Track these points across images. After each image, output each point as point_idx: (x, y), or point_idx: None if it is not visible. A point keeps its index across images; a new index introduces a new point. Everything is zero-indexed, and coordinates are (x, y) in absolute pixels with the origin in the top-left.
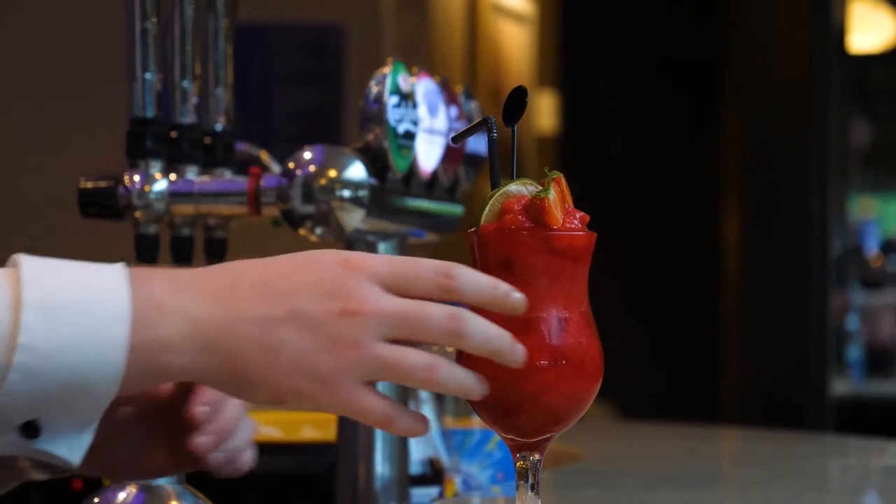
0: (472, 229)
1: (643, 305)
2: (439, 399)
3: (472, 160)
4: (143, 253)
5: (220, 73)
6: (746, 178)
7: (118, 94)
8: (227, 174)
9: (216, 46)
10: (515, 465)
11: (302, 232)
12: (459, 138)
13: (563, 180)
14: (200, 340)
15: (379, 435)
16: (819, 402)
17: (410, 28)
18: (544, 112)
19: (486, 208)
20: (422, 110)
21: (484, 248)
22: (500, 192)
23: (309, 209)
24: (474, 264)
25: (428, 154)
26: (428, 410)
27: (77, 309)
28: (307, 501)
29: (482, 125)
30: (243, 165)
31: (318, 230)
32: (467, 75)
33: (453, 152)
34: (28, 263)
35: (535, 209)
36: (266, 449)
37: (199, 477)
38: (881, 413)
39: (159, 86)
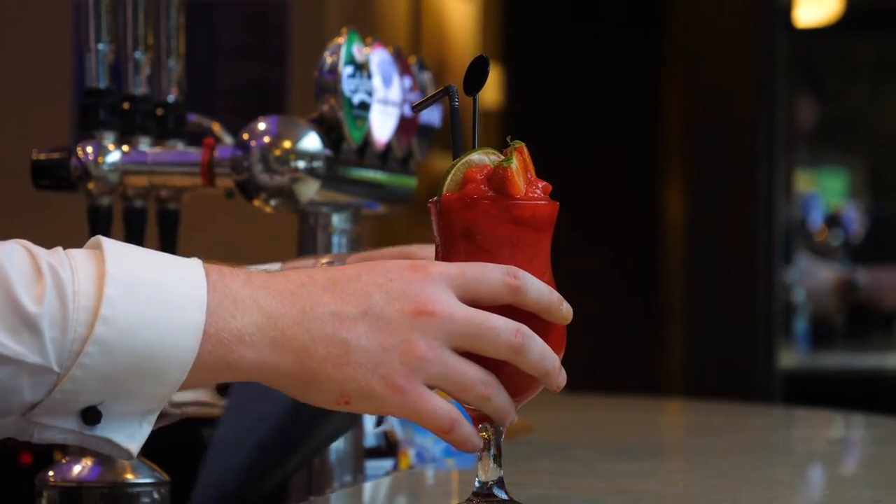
0: (434, 199)
1: (587, 280)
2: None
3: (426, 132)
4: (97, 225)
5: (173, 44)
6: (691, 153)
7: (68, 65)
8: (180, 146)
9: (168, 17)
10: (480, 434)
11: (257, 203)
12: (420, 107)
13: (526, 150)
14: (272, 335)
15: None
16: (767, 375)
17: (354, 3)
18: (489, 86)
19: (448, 178)
20: (376, 81)
21: (446, 217)
22: (462, 162)
23: (265, 180)
24: (436, 235)
25: (382, 125)
26: None
27: (157, 289)
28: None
29: (443, 94)
30: (195, 137)
31: (274, 201)
32: (412, 50)
33: (407, 124)
34: (110, 244)
35: (497, 178)
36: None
37: (153, 449)
38: (826, 385)
39: (112, 57)
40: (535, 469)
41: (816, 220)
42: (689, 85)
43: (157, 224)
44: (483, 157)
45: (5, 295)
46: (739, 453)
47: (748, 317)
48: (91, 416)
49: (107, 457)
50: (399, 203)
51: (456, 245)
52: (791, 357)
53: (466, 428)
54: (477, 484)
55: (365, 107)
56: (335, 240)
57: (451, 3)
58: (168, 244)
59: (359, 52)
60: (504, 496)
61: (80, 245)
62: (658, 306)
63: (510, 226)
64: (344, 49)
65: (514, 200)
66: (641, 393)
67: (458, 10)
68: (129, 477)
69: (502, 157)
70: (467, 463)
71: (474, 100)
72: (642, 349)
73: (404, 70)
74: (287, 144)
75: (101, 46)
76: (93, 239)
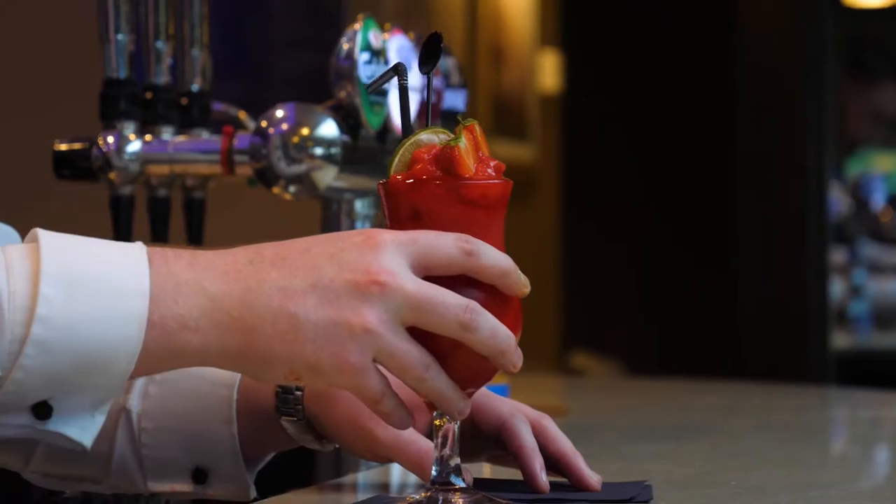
0: (382, 181)
1: (645, 264)
2: None
3: (450, 117)
4: (119, 214)
5: (196, 33)
6: (748, 136)
7: (92, 56)
8: (204, 134)
9: (192, 7)
10: (433, 422)
11: (276, 191)
12: (373, 86)
13: (478, 128)
14: (218, 318)
15: None
16: (820, 357)
17: None
18: (547, 71)
19: (396, 158)
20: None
21: (393, 199)
22: (410, 142)
23: (283, 168)
24: (386, 218)
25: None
26: None
27: (96, 283)
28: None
29: (393, 72)
30: (222, 125)
31: (292, 188)
32: (468, 36)
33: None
34: (47, 237)
35: (445, 158)
36: None
37: None
38: (886, 367)
39: (132, 47)
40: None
41: (879, 201)
42: (748, 66)
43: (182, 212)
44: (432, 137)
45: None
46: (764, 433)
47: (800, 298)
48: (42, 411)
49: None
50: None
51: (405, 227)
52: (848, 339)
53: (393, 402)
54: (434, 472)
55: (382, 93)
56: (358, 225)
57: None
58: (194, 232)
59: (375, 38)
60: (461, 483)
61: (101, 236)
62: (715, 288)
63: (459, 206)
64: (360, 36)
65: (463, 180)
66: (699, 374)
67: None
68: None
69: (452, 137)
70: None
71: (429, 77)
72: (700, 332)
73: None
74: (305, 131)
75: (120, 37)
76: (31, 232)
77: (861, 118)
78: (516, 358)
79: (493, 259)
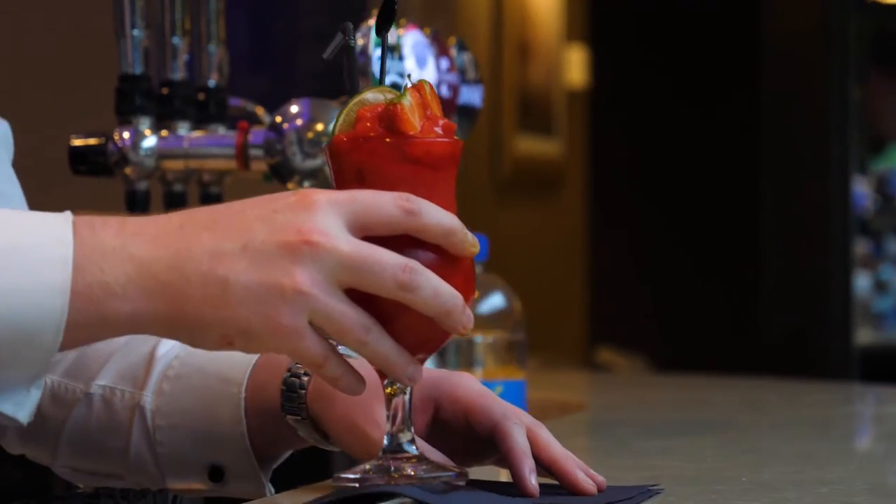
0: (327, 143)
1: (671, 259)
2: (441, 352)
3: (467, 112)
4: (135, 209)
5: (213, 29)
6: (772, 133)
7: (108, 51)
8: (221, 130)
9: (208, 3)
10: (384, 391)
11: (290, 186)
12: (329, 53)
13: (429, 88)
14: (146, 284)
15: None
16: (844, 353)
17: None
18: (574, 67)
19: (340, 118)
20: (409, 62)
21: (337, 159)
22: (355, 101)
23: (298, 162)
24: (331, 180)
25: None
26: (429, 364)
27: (18, 253)
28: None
29: (342, 34)
30: (239, 121)
31: (307, 183)
32: (494, 32)
33: (446, 104)
34: None
35: (388, 116)
36: None
37: None
38: None
39: (148, 43)
40: (566, 447)
41: None
42: (774, 62)
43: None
44: (378, 96)
45: None
46: (781, 429)
47: (825, 294)
48: None
49: None
50: None
51: (348, 188)
52: (873, 335)
53: (339, 367)
54: (386, 441)
55: (396, 88)
56: None
57: None
58: None
59: (389, 33)
60: (414, 451)
61: None
62: (742, 284)
63: (403, 165)
64: (374, 31)
65: (407, 138)
66: (723, 370)
67: None
68: None
69: (397, 95)
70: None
71: (384, 41)
72: (724, 328)
73: (441, 51)
74: (319, 127)
75: (136, 32)
76: None
77: (890, 114)
78: (465, 319)
79: (437, 218)
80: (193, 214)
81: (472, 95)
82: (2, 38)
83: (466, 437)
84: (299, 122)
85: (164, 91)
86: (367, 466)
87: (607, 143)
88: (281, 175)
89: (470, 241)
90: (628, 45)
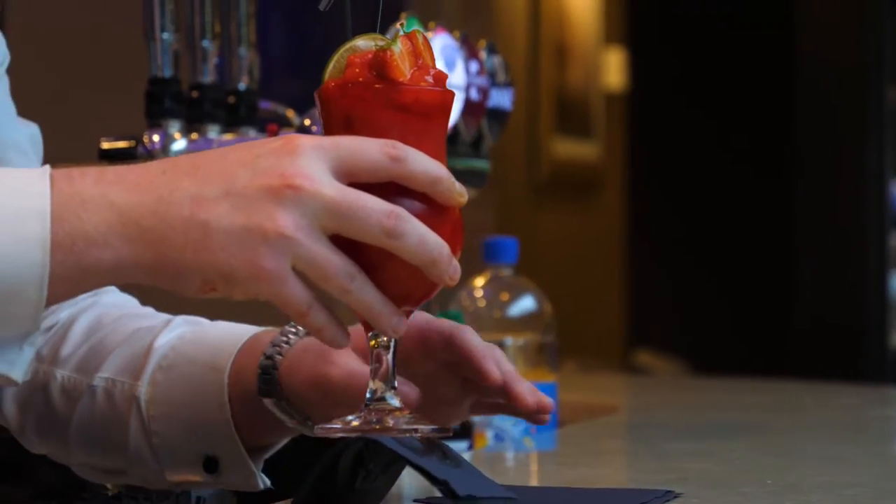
0: (318, 89)
1: (709, 262)
2: None
3: (496, 115)
4: None
5: (243, 32)
6: (808, 137)
7: (138, 55)
8: (252, 133)
9: (238, 6)
10: (369, 344)
11: None
12: (325, 4)
13: (422, 37)
14: (126, 231)
15: None
16: (880, 356)
17: None
18: (612, 69)
19: (331, 64)
20: (438, 65)
21: (326, 105)
22: (346, 48)
23: None
24: (322, 128)
25: None
26: None
27: None
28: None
29: None
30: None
31: None
32: (531, 34)
33: (474, 107)
34: None
35: (378, 62)
36: None
37: None
38: None
39: (177, 46)
40: (595, 449)
41: None
42: (810, 64)
43: None
44: (370, 43)
45: None
46: (811, 432)
47: (860, 296)
48: None
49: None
50: (472, 186)
51: (336, 134)
52: None
53: (323, 316)
54: (368, 395)
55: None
56: None
57: None
58: None
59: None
60: (396, 403)
61: None
62: (782, 285)
63: (391, 113)
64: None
65: (396, 85)
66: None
67: None
68: None
69: (388, 41)
70: (547, 444)
71: None
72: (765, 330)
73: (471, 54)
74: None
75: (165, 36)
76: None
77: None
78: (451, 269)
79: (423, 165)
80: (175, 161)
81: (502, 98)
82: (32, 42)
83: (419, 358)
84: None
85: (194, 94)
86: (349, 418)
87: (645, 146)
88: None
89: (457, 190)
90: (666, 48)
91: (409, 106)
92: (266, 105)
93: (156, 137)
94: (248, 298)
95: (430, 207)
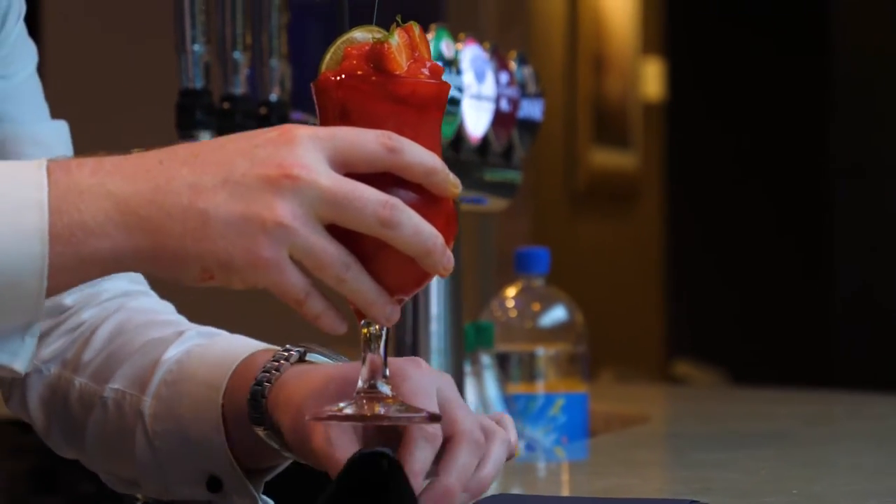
0: (314, 80)
1: (749, 272)
2: (502, 365)
3: (527, 125)
4: None
5: (274, 44)
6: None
7: (170, 66)
8: None
9: (270, 18)
10: (360, 332)
11: None
12: None
13: (418, 30)
14: (124, 220)
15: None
16: None
17: None
18: (650, 79)
19: (328, 56)
20: (468, 76)
21: (322, 96)
22: (343, 39)
23: None
24: (317, 119)
25: (476, 119)
26: (490, 377)
27: None
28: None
29: None
30: None
31: None
32: (568, 44)
33: (505, 118)
34: None
35: (375, 54)
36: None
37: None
38: None
39: (208, 57)
40: (623, 459)
41: None
42: (849, 69)
43: None
44: (367, 35)
45: None
46: (841, 441)
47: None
48: None
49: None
50: (503, 197)
51: (333, 126)
52: None
53: (320, 304)
54: (360, 384)
55: (454, 102)
56: None
57: None
58: None
59: (447, 48)
60: (387, 391)
61: None
62: (822, 293)
63: (388, 104)
64: (431, 46)
65: (393, 77)
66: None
67: (617, 2)
68: None
69: (385, 34)
70: (578, 454)
71: None
72: (806, 339)
73: (501, 65)
74: None
75: (196, 47)
76: None
77: None
78: (445, 260)
79: (419, 157)
80: (173, 150)
81: (532, 109)
82: (64, 54)
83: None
84: None
85: (226, 106)
86: (341, 405)
87: (683, 156)
88: None
89: (451, 182)
90: (704, 58)
91: (405, 98)
92: (298, 116)
93: None
94: (247, 287)
95: (425, 198)
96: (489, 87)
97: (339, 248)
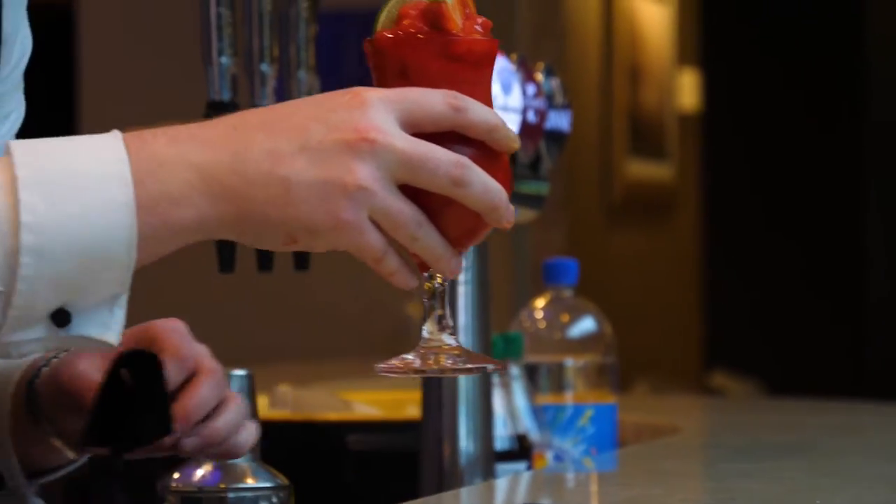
0: (369, 38)
1: (786, 283)
2: (531, 376)
3: (555, 137)
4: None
5: (303, 56)
6: (885, 149)
7: (198, 79)
8: None
9: (298, 30)
10: (423, 286)
11: None
12: None
13: None
14: (208, 188)
15: (462, 412)
16: None
17: (544, 9)
18: (686, 90)
19: (383, 15)
20: (494, 88)
21: (380, 56)
22: None
23: None
24: (373, 76)
25: None
26: (519, 388)
27: (75, 178)
28: (393, 480)
29: None
30: None
31: None
32: (604, 55)
33: (532, 129)
34: (18, 146)
35: (431, 13)
36: (356, 427)
37: (273, 453)
38: None
39: (235, 69)
40: (650, 469)
41: None
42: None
43: None
44: None
45: None
46: (868, 452)
47: None
48: (60, 318)
49: (226, 463)
50: (531, 209)
51: (391, 85)
52: None
53: (395, 261)
54: (424, 334)
55: None
56: None
57: (644, 6)
58: (299, 255)
59: None
60: (453, 342)
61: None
62: (859, 303)
63: (446, 62)
64: None
65: (450, 36)
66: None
67: (653, 13)
68: (250, 481)
69: None
70: (607, 465)
71: None
72: (842, 350)
73: (528, 77)
74: None
75: (223, 60)
76: (6, 142)
77: None
78: (509, 214)
79: (482, 115)
80: (244, 116)
81: (560, 120)
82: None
83: None
84: None
85: None
86: (407, 356)
87: (720, 167)
88: None
89: (511, 137)
90: (741, 68)
91: (463, 56)
92: None
93: None
94: (327, 249)
95: (486, 153)
96: (515, 99)
97: (412, 207)
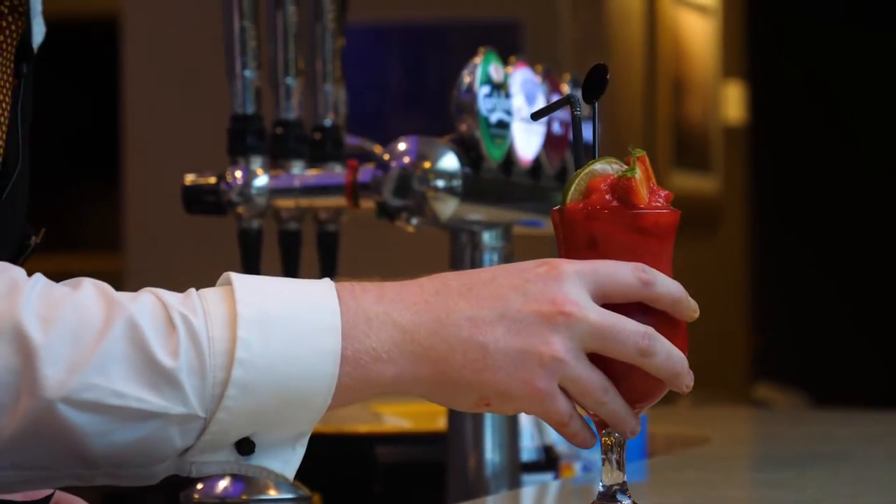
0: (558, 208)
1: (833, 294)
2: None
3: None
4: (247, 247)
5: (328, 69)
6: None
7: (223, 92)
8: (338, 168)
9: (324, 43)
10: (601, 440)
11: (398, 223)
12: (539, 115)
13: (647, 159)
14: (410, 349)
15: (488, 423)
16: None
17: (587, 22)
18: (732, 103)
19: (572, 187)
20: (518, 100)
21: (570, 227)
22: (585, 171)
23: (400, 200)
24: (559, 243)
25: (527, 142)
26: None
27: (289, 322)
28: (419, 491)
29: (564, 103)
30: (359, 160)
31: (414, 220)
32: (647, 67)
33: (557, 140)
34: (240, 281)
35: (621, 188)
36: (381, 439)
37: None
38: None
39: (260, 83)
40: (674, 479)
41: None
42: None
43: (316, 246)
44: (606, 167)
45: (142, 352)
46: (892, 461)
47: None
48: (245, 447)
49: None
50: None
51: (580, 254)
52: None
53: (578, 423)
54: (600, 488)
55: (503, 125)
56: (486, 257)
57: (688, 19)
58: (328, 265)
59: (496, 71)
60: (627, 501)
61: (235, 267)
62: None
63: (634, 234)
64: (480, 69)
65: (638, 210)
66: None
67: (696, 25)
68: (272, 493)
69: (625, 167)
70: (635, 475)
71: (594, 108)
72: (886, 361)
73: (553, 88)
74: (426, 164)
75: (247, 73)
76: (224, 275)
77: None
78: (689, 379)
79: (668, 287)
80: (447, 280)
81: (585, 132)
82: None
83: None
84: (406, 159)
85: (279, 131)
86: None
87: (766, 180)
88: (387, 213)
89: (692, 307)
90: (786, 81)
91: (649, 228)
92: (354, 141)
93: (238, 174)
94: (515, 413)
95: (668, 322)
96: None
97: (599, 374)
